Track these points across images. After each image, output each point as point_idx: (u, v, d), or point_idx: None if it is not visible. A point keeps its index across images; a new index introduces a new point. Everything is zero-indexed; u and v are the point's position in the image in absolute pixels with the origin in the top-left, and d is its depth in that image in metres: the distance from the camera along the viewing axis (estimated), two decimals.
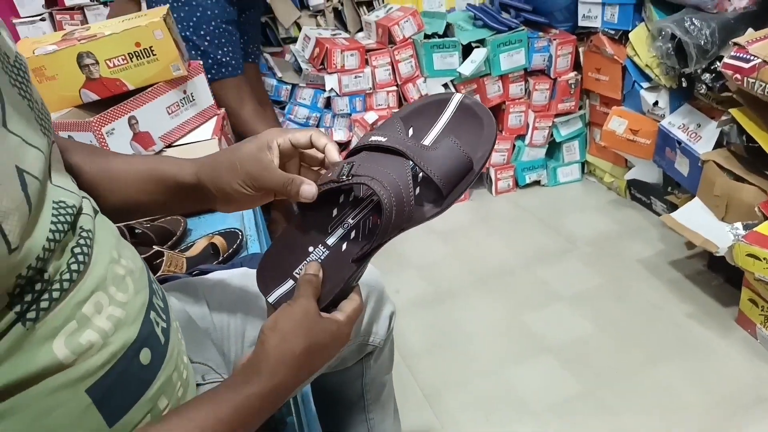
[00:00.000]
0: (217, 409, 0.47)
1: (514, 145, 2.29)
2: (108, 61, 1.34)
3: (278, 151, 0.58)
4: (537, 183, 2.37)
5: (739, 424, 1.24)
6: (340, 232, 0.57)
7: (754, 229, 1.27)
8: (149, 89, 1.36)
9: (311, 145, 0.59)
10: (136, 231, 1.17)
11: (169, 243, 1.18)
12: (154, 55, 1.36)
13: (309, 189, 0.56)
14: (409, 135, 0.59)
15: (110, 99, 1.34)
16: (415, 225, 0.56)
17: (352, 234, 0.58)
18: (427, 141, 0.58)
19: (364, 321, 0.84)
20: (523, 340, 1.56)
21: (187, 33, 1.67)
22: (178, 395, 0.53)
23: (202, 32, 1.69)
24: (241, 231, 1.14)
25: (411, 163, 0.55)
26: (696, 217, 1.50)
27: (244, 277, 0.78)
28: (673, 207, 1.78)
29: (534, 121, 2.20)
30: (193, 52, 1.68)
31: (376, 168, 0.55)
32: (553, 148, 2.34)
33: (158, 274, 1.00)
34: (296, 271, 0.59)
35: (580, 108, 2.23)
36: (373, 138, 0.57)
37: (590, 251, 1.91)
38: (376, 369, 0.88)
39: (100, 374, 0.44)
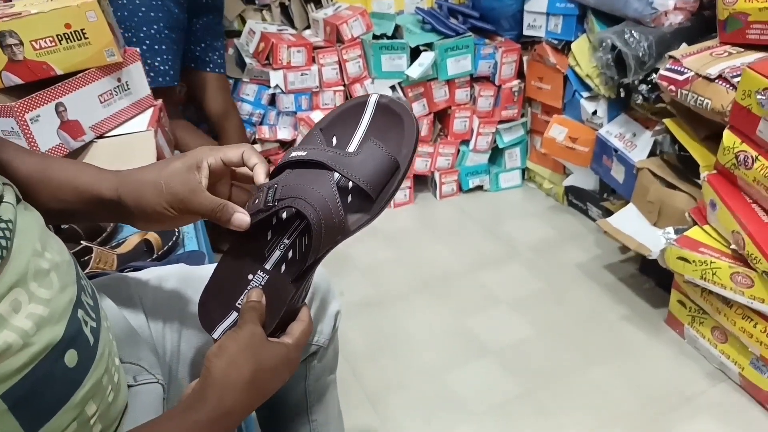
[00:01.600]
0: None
1: (459, 150, 2.31)
2: (34, 43, 1.24)
3: (208, 171, 0.54)
4: (480, 188, 2.41)
5: (667, 422, 1.30)
6: (277, 254, 0.56)
7: (685, 233, 1.33)
8: (80, 75, 1.27)
9: (242, 163, 0.56)
10: (62, 226, 1.08)
11: (98, 239, 1.10)
12: (86, 38, 1.27)
13: (242, 218, 0.53)
14: (333, 144, 0.58)
15: (36, 84, 1.24)
16: (351, 234, 0.55)
17: (290, 254, 0.56)
18: (352, 147, 0.57)
19: None
20: (465, 343, 1.57)
21: (127, 35, 1.57)
22: (108, 400, 0.48)
23: (141, 35, 1.59)
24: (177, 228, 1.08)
25: (336, 173, 0.54)
26: (630, 222, 1.56)
27: (180, 272, 0.73)
28: (608, 213, 1.85)
29: (478, 126, 2.23)
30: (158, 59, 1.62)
31: (301, 186, 0.53)
32: (496, 154, 2.39)
33: (86, 272, 0.93)
34: (238, 302, 0.57)
35: (523, 116, 2.29)
36: (294, 154, 0.56)
37: (530, 256, 1.95)
38: (319, 369, 0.85)
39: (17, 378, 0.39)
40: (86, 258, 0.96)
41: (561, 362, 1.49)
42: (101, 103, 1.33)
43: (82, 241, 0.97)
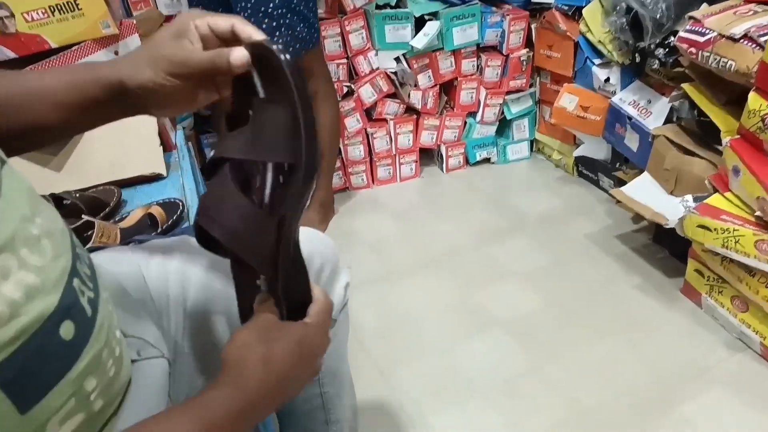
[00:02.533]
0: (185, 424, 0.42)
1: (466, 122, 2.26)
2: (25, 14, 1.19)
3: (197, 34, 0.51)
4: (487, 161, 2.36)
5: (683, 393, 1.27)
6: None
7: (705, 201, 1.29)
8: (75, 48, 1.23)
9: (232, 35, 0.51)
10: (65, 202, 1.05)
11: (101, 214, 1.07)
12: (79, 9, 1.22)
13: (239, 54, 0.48)
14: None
15: (30, 57, 1.20)
16: (294, 219, 0.50)
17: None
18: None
19: None
20: (473, 317, 1.55)
21: (295, 4, 1.53)
22: (109, 374, 0.45)
23: (310, 3, 1.59)
24: (181, 201, 1.04)
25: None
26: (645, 191, 1.52)
27: (184, 244, 0.70)
28: (620, 183, 1.81)
29: (485, 98, 2.18)
30: (301, 25, 1.57)
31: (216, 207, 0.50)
32: (504, 126, 2.34)
33: (87, 246, 0.90)
34: None
35: (531, 86, 2.23)
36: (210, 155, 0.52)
37: (539, 229, 1.92)
38: (331, 342, 0.82)
39: (8, 352, 0.36)
40: (88, 233, 0.92)
41: (571, 335, 1.46)
42: None
43: (83, 215, 0.94)
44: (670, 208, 1.41)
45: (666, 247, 1.70)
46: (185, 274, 0.67)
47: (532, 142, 2.37)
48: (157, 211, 0.99)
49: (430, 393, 1.32)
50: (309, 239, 0.78)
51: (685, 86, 1.42)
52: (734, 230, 1.20)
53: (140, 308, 0.60)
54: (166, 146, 1.29)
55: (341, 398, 0.85)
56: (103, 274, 0.60)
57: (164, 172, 1.18)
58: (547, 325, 1.50)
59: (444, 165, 2.31)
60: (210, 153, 2.00)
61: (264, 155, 0.50)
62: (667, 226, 1.37)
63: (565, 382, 1.32)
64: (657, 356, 1.37)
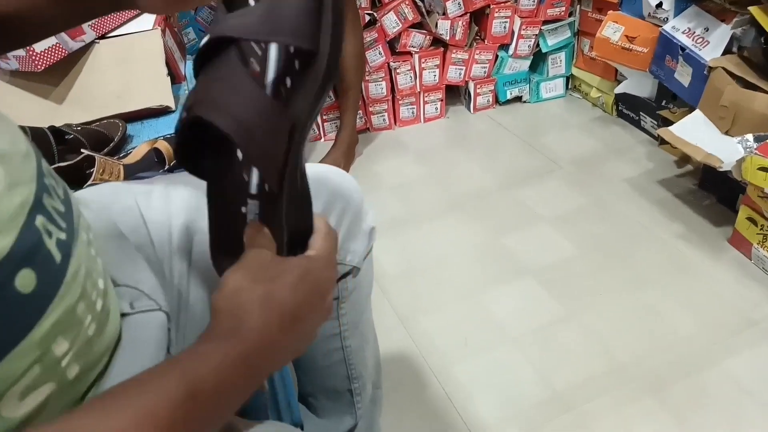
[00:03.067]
0: (164, 387, 0.33)
1: (497, 56, 2.10)
2: None
3: None
4: (518, 99, 2.22)
5: (728, 347, 1.19)
6: (256, 173, 0.44)
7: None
8: None
9: None
10: (66, 137, 0.97)
11: (105, 150, 0.99)
12: None
13: None
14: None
15: None
16: (311, 113, 0.43)
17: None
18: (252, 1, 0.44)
19: (340, 238, 0.69)
20: (503, 263, 1.47)
21: None
22: (87, 334, 0.37)
23: None
24: None
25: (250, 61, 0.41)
26: (696, 131, 1.39)
27: (191, 179, 0.62)
28: (665, 123, 1.67)
29: (520, 28, 2.01)
30: None
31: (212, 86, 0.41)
32: (537, 61, 2.17)
33: (88, 183, 0.82)
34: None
35: (570, 14, 2.05)
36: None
37: (573, 171, 1.80)
38: (354, 291, 0.75)
39: None
40: (89, 171, 0.85)
41: (608, 283, 1.37)
42: None
43: (83, 150, 0.86)
44: (724, 150, 1.28)
45: (713, 194, 1.58)
46: (192, 215, 0.59)
47: (568, 79, 2.20)
48: (163, 146, 0.91)
49: (454, 343, 1.26)
50: (330, 177, 0.70)
51: (752, 9, 1.25)
52: None
53: (135, 253, 0.52)
54: (175, 78, 1.20)
55: (364, 352, 0.78)
56: (95, 212, 0.52)
57: (173, 105, 1.09)
58: (581, 272, 1.41)
59: (471, 104, 2.17)
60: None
61: (281, 37, 0.40)
62: (722, 169, 1.25)
63: (600, 332, 1.25)
64: (700, 308, 1.28)
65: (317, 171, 0.71)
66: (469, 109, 2.20)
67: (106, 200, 0.56)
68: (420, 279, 1.44)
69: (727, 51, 1.42)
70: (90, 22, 1.16)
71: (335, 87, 1.86)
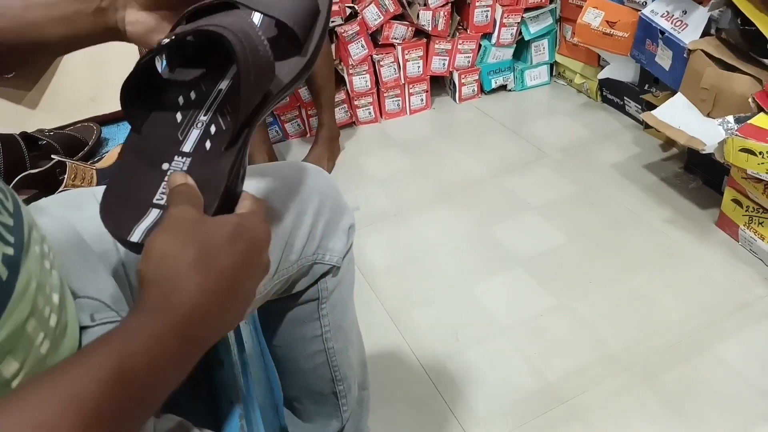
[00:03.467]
0: (89, 369, 0.30)
1: (480, 45, 2.09)
2: None
3: None
4: (503, 88, 2.20)
5: (720, 330, 1.19)
6: (195, 133, 0.45)
7: (749, 121, 1.15)
8: None
9: None
10: (39, 142, 0.95)
11: (79, 154, 0.97)
12: None
13: None
14: None
15: None
16: (286, 90, 0.47)
17: (213, 129, 0.45)
18: None
19: (317, 236, 0.68)
20: (492, 253, 1.46)
21: None
22: (40, 352, 0.36)
23: None
24: None
25: (252, 14, 0.47)
26: (679, 114, 1.38)
27: None
28: (649, 107, 1.66)
29: (502, 16, 2.00)
30: None
31: (215, 18, 0.45)
32: (521, 49, 2.16)
33: (60, 190, 0.81)
34: (157, 197, 0.44)
35: (551, 1, 2.03)
36: None
37: (560, 158, 1.79)
38: (335, 291, 0.74)
39: None
40: (61, 177, 0.83)
41: (598, 270, 1.37)
42: None
43: (53, 155, 0.84)
44: (707, 132, 1.27)
45: (699, 176, 1.57)
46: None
47: (552, 66, 2.19)
48: None
49: (445, 336, 1.25)
50: (306, 175, 0.68)
51: None
52: None
53: (99, 262, 0.50)
54: None
55: (347, 353, 0.77)
56: (57, 220, 0.51)
57: None
58: (571, 260, 1.41)
59: (457, 94, 2.16)
60: None
61: (276, 12, 0.45)
62: (704, 152, 1.25)
63: (592, 320, 1.24)
64: (690, 292, 1.28)
65: (293, 168, 0.70)
66: (454, 100, 2.19)
67: (70, 208, 0.54)
68: (409, 272, 1.43)
69: (705, 33, 1.42)
70: None
71: (309, 86, 1.85)
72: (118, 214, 0.42)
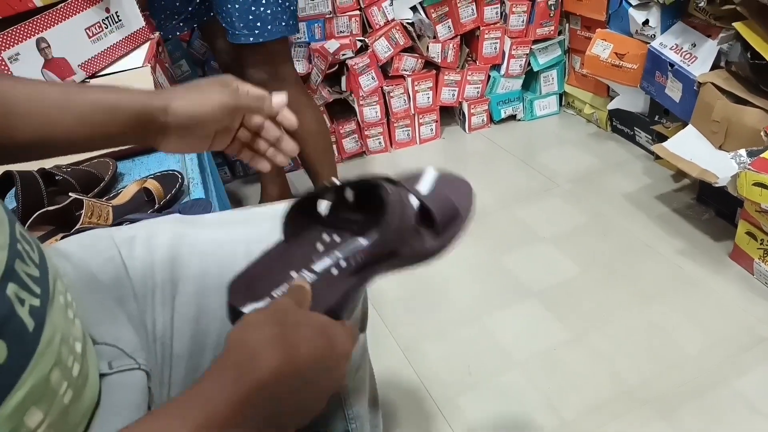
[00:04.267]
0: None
1: (489, 76, 2.11)
2: None
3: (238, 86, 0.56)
4: (513, 118, 2.22)
5: (737, 365, 1.17)
6: (328, 261, 0.52)
7: (761, 155, 1.15)
8: (61, 5, 1.12)
9: (263, 108, 0.58)
10: (56, 177, 0.97)
11: (95, 190, 0.98)
12: None
13: (280, 98, 0.59)
14: None
15: (13, 18, 1.10)
16: (412, 259, 0.56)
17: (343, 264, 0.52)
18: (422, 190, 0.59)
19: None
20: (504, 284, 1.45)
21: None
22: (63, 402, 0.36)
23: None
24: (181, 173, 0.95)
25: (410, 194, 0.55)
26: (690, 146, 1.38)
27: (175, 225, 0.61)
28: (660, 137, 1.66)
29: (510, 48, 2.02)
30: (279, 9, 1.28)
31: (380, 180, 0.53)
32: (530, 79, 2.18)
33: (77, 227, 0.82)
34: (275, 292, 0.49)
35: (560, 33, 2.06)
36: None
37: (571, 188, 1.79)
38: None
39: None
40: (77, 213, 0.84)
41: (612, 302, 1.36)
42: (89, 37, 1.19)
43: (71, 193, 0.86)
44: (719, 165, 1.27)
45: (712, 208, 1.57)
46: (176, 260, 0.57)
47: (561, 96, 2.21)
48: (153, 185, 0.90)
49: (458, 370, 1.24)
50: None
51: (737, 25, 1.26)
52: None
53: (117, 307, 0.51)
54: None
55: (361, 392, 0.76)
56: (75, 265, 0.51)
57: None
58: (585, 291, 1.40)
59: (466, 124, 2.17)
60: None
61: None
62: (717, 185, 1.24)
63: (607, 353, 1.23)
64: (706, 325, 1.26)
65: None
66: (464, 129, 2.20)
67: (88, 252, 0.55)
68: (421, 305, 1.42)
69: (715, 66, 1.43)
70: (80, 62, 1.17)
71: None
72: (242, 289, 0.48)
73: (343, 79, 1.97)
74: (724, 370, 1.16)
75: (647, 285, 1.39)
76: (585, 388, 1.16)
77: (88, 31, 1.18)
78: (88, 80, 1.19)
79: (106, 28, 1.22)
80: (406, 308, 1.41)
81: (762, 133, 1.21)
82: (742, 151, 1.19)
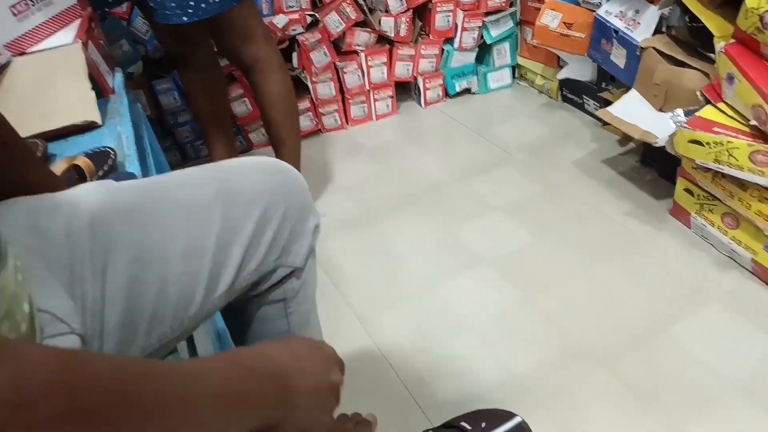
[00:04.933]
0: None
1: (443, 50, 2.11)
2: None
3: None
4: (467, 91, 2.23)
5: (678, 315, 1.22)
6: None
7: (696, 114, 1.18)
8: None
9: None
10: None
11: None
12: None
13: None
14: (482, 427, 0.79)
15: None
16: None
17: None
18: None
19: (281, 242, 0.67)
20: (458, 254, 1.47)
21: None
22: None
23: None
24: (113, 149, 0.93)
25: None
26: (633, 110, 1.42)
27: (102, 190, 0.59)
28: (606, 104, 1.69)
29: (463, 21, 2.02)
30: None
31: None
32: (483, 52, 2.19)
33: None
34: None
35: (511, 5, 2.07)
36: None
37: (524, 158, 1.82)
38: (300, 291, 0.73)
39: None
40: None
41: (561, 264, 1.39)
42: (14, 16, 1.14)
43: None
44: (659, 126, 1.31)
45: (654, 168, 1.61)
46: (106, 228, 0.56)
47: (514, 68, 2.23)
48: (83, 162, 0.88)
49: (415, 337, 1.25)
50: (271, 175, 0.67)
51: None
52: (728, 142, 1.10)
53: (54, 273, 0.49)
54: (102, 91, 1.16)
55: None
56: (24, 230, 0.50)
57: (99, 120, 1.06)
58: (536, 256, 1.43)
59: (422, 99, 2.18)
60: (164, 98, 1.82)
61: None
62: (657, 145, 1.28)
63: (557, 313, 1.26)
64: (648, 280, 1.31)
65: (259, 169, 0.68)
66: (420, 104, 2.21)
67: (14, 221, 0.53)
68: (377, 277, 1.43)
69: (657, 31, 1.45)
70: (5, 42, 1.12)
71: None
72: None
73: (294, 55, 1.94)
74: (665, 321, 1.21)
75: (595, 247, 1.43)
76: (533, 346, 1.19)
77: (12, 9, 1.13)
78: (13, 58, 1.14)
79: (33, 5, 1.17)
80: (364, 282, 1.42)
81: (698, 93, 1.25)
82: (679, 111, 1.22)
